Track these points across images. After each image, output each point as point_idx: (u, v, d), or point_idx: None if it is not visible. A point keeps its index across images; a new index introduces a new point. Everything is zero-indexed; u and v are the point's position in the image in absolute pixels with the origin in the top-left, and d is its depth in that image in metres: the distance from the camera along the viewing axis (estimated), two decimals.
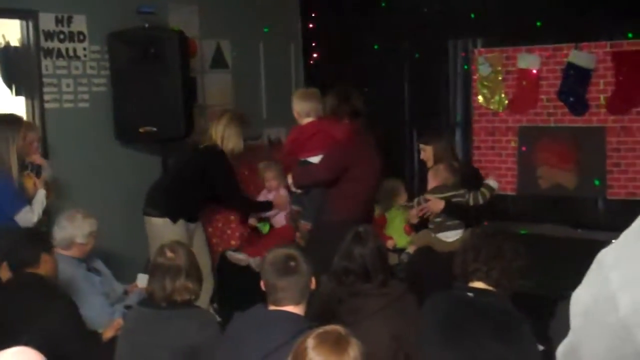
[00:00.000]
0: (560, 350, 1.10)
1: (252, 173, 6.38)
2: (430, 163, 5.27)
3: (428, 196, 5.06)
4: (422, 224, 5.20)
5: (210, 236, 5.96)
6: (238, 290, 5.40)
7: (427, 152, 5.28)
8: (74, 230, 4.45)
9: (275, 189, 5.92)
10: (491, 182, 5.20)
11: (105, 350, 3.76)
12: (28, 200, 4.61)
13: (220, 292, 5.75)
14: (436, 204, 4.99)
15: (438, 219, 5.02)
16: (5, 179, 4.45)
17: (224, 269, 5.90)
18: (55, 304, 3.62)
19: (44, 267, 3.73)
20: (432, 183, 5.12)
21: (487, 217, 5.46)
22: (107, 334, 4.07)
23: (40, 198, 4.66)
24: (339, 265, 3.63)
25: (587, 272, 1.04)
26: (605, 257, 1.02)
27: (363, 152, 4.89)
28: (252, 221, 6.02)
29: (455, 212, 4.96)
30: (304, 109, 5.12)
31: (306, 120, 5.13)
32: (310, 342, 2.30)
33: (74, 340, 3.61)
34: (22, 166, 4.65)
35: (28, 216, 4.52)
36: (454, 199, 5.01)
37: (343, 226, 4.08)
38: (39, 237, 3.88)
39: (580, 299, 1.04)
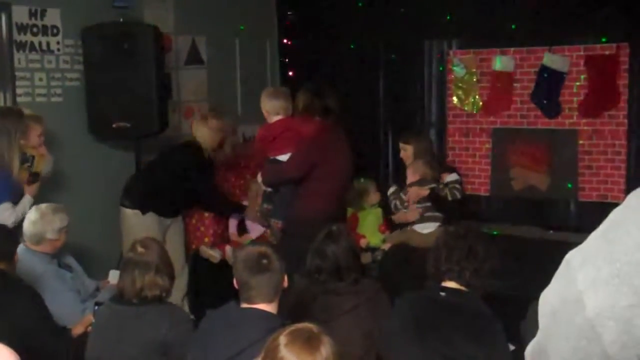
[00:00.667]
0: (529, 349, 1.11)
1: (228, 170, 6.35)
2: (409, 162, 5.35)
3: (408, 188, 5.16)
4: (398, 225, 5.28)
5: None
6: (211, 287, 5.40)
7: (407, 152, 5.36)
8: (44, 226, 4.38)
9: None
10: (452, 176, 5.33)
11: (75, 347, 3.74)
12: (20, 195, 4.60)
13: (193, 289, 5.72)
14: (420, 190, 5.10)
15: (419, 206, 5.11)
16: None
17: (197, 265, 5.88)
18: (20, 297, 3.58)
19: (13, 265, 3.70)
20: (411, 178, 5.20)
21: (460, 217, 5.51)
22: (77, 330, 4.03)
23: (25, 203, 4.64)
24: (312, 264, 3.65)
25: (556, 272, 1.05)
26: (573, 258, 1.03)
27: (333, 149, 4.85)
28: (233, 237, 6.05)
29: (437, 202, 5.05)
30: (274, 108, 5.10)
31: (275, 119, 5.11)
32: (283, 339, 2.29)
33: (42, 333, 3.58)
34: (23, 159, 4.64)
35: (5, 214, 4.48)
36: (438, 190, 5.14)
37: (314, 224, 4.10)
38: (11, 234, 3.82)
39: (548, 299, 1.05)
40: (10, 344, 2.44)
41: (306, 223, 4.59)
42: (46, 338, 3.59)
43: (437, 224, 5.03)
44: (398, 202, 5.30)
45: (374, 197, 6.02)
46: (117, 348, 3.31)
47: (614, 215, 1.02)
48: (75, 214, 4.96)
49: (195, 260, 5.91)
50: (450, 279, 3.19)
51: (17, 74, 5.48)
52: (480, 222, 6.19)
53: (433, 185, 5.20)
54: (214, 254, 5.82)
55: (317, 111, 4.88)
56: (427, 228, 5.04)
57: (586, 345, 0.94)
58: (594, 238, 1.02)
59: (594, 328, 0.93)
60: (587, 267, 0.98)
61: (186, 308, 5.46)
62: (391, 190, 5.47)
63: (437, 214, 5.13)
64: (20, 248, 4.30)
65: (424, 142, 5.54)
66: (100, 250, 5.52)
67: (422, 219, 5.13)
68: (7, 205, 4.56)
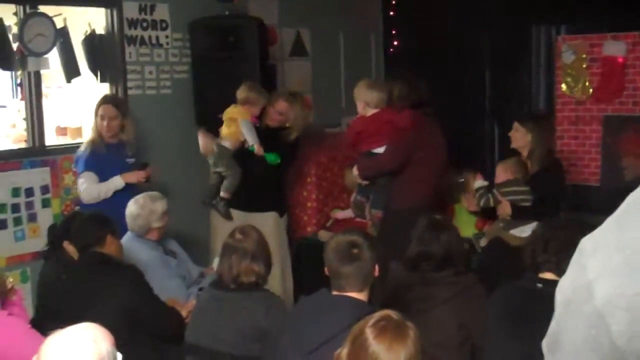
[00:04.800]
0: (545, 339, 1.06)
1: (332, 161, 6.38)
2: (519, 145, 5.00)
3: (500, 197, 4.90)
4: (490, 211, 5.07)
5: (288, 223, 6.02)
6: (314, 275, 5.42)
7: (519, 133, 4.98)
8: (149, 216, 4.50)
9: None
10: (479, 182, 5.03)
11: (179, 325, 3.84)
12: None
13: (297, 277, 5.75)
14: (505, 208, 4.85)
15: (507, 219, 4.90)
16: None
17: (301, 254, 5.92)
18: (122, 276, 3.70)
19: (108, 248, 3.83)
20: (502, 176, 4.96)
21: (568, 208, 5.32)
22: (182, 314, 4.13)
23: (110, 183, 4.89)
24: (416, 251, 3.59)
25: (571, 260, 0.99)
26: (585, 245, 0.98)
27: (427, 138, 4.85)
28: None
29: (521, 215, 4.80)
30: (373, 100, 5.03)
31: (372, 112, 5.05)
32: (370, 332, 2.28)
33: (145, 305, 3.70)
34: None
35: (82, 184, 4.87)
36: (520, 202, 4.84)
37: (412, 213, 4.06)
38: (103, 220, 3.96)
39: (563, 288, 1.00)
40: (115, 324, 2.54)
41: (403, 213, 4.58)
42: (149, 309, 3.70)
43: (533, 224, 4.63)
44: (491, 197, 4.95)
45: (478, 182, 5.78)
46: (215, 332, 3.38)
47: (628, 200, 0.96)
48: (183, 205, 5.10)
49: (299, 249, 5.96)
50: (548, 270, 3.08)
51: (128, 67, 5.68)
52: (589, 213, 5.97)
53: (514, 188, 4.88)
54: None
55: (411, 102, 4.85)
56: (526, 232, 4.67)
57: (596, 336, 0.90)
58: (607, 224, 0.97)
59: (603, 318, 0.89)
60: (597, 255, 0.93)
61: (290, 287, 5.49)
62: (478, 184, 5.06)
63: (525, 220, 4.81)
64: (128, 236, 4.46)
65: (543, 128, 5.07)
66: (206, 238, 5.63)
67: (513, 225, 4.84)
68: (89, 174, 4.85)
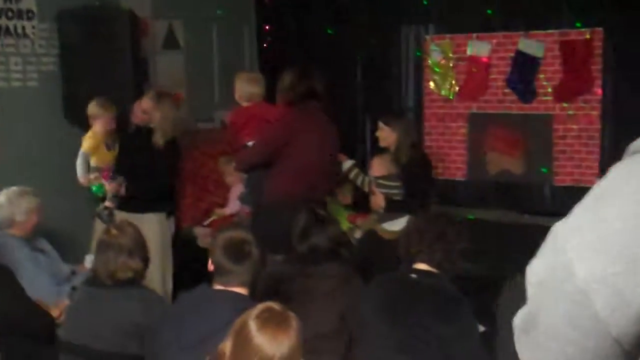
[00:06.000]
0: (517, 320, 1.14)
1: (206, 156, 6.35)
2: (386, 143, 5.19)
3: (374, 188, 5.06)
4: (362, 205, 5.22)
5: None
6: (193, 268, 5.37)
7: (383, 132, 5.19)
8: (12, 208, 4.39)
9: (235, 184, 5.94)
10: (347, 163, 5.25)
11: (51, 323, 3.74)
12: None
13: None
14: (378, 200, 5.01)
15: (380, 211, 5.05)
16: None
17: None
18: None
19: None
20: (376, 171, 5.12)
21: (436, 201, 5.51)
22: (53, 313, 4.01)
23: None
24: (305, 245, 3.63)
25: (542, 245, 1.08)
26: (560, 229, 1.07)
27: (302, 132, 4.74)
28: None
29: (394, 208, 4.98)
30: (245, 93, 5.08)
31: (245, 105, 5.09)
32: (253, 324, 2.30)
33: (16, 306, 3.57)
34: None
35: None
36: (393, 196, 5.01)
37: (281, 206, 4.08)
38: None
39: (535, 270, 1.08)
40: None
41: (272, 206, 4.60)
42: (24, 316, 3.58)
43: (405, 218, 4.81)
44: (366, 180, 5.16)
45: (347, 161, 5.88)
46: (91, 330, 3.30)
47: (597, 187, 1.07)
48: (50, 199, 4.94)
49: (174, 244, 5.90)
50: (421, 261, 3.21)
51: None
52: (456, 207, 6.22)
53: (393, 183, 5.06)
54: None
55: (302, 93, 4.81)
56: (397, 226, 4.84)
57: (577, 310, 0.99)
58: (580, 210, 1.06)
59: (585, 293, 0.98)
60: (574, 236, 1.03)
61: (170, 288, 5.40)
62: (347, 164, 5.27)
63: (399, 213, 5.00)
64: None
65: (406, 124, 5.41)
66: (76, 235, 5.49)
67: (387, 217, 5.01)
68: None
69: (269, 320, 2.32)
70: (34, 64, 5.73)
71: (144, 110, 5.18)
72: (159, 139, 5.11)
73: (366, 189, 5.11)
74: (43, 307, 3.89)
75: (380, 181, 5.04)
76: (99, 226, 5.15)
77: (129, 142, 5.24)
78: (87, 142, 5.20)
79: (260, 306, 2.39)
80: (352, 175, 5.20)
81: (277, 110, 4.96)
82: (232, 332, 2.36)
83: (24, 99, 5.66)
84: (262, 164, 4.85)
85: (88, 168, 5.19)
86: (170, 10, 6.77)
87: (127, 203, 5.13)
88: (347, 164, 5.36)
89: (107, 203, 5.13)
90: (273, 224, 4.09)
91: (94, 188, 5.16)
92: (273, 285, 3.45)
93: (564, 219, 1.07)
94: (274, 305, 2.40)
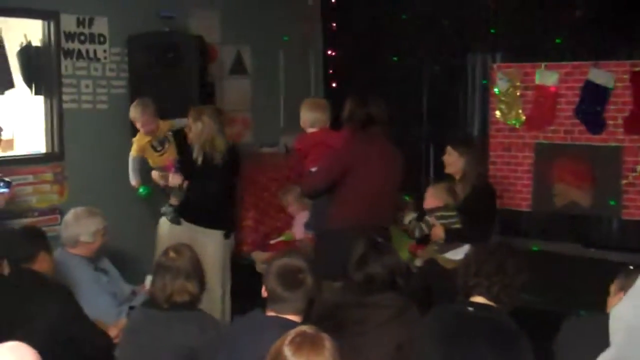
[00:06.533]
0: None
1: (269, 180, 6.39)
2: (453, 169, 5.15)
3: (433, 219, 4.96)
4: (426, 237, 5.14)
5: None
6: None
7: (452, 157, 5.14)
8: (78, 229, 4.45)
9: (299, 212, 5.99)
10: (408, 216, 5.13)
11: (108, 346, 3.79)
12: None
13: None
14: (437, 232, 4.93)
15: (441, 242, 4.96)
16: None
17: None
18: (51, 295, 3.61)
19: (40, 265, 3.74)
20: (431, 202, 5.02)
21: (499, 232, 5.41)
22: (111, 332, 4.06)
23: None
24: (362, 274, 3.60)
25: (630, 290, 1.04)
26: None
27: (362, 158, 4.75)
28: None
29: (454, 238, 4.89)
30: (309, 120, 5.13)
31: (310, 131, 5.13)
32: (288, 350, 2.29)
33: (73, 325, 3.61)
34: None
35: None
36: (451, 225, 4.93)
37: (343, 233, 4.06)
38: (37, 235, 3.88)
39: (622, 316, 1.04)
40: (43, 344, 2.49)
41: (335, 233, 4.58)
42: (77, 329, 3.62)
43: (466, 247, 4.72)
44: (424, 226, 5.04)
45: (409, 214, 5.83)
46: (147, 352, 3.33)
47: None
48: (117, 220, 5.04)
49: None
50: (479, 294, 3.14)
51: (64, 80, 5.60)
52: (520, 238, 6.11)
53: (450, 213, 4.98)
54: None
55: (360, 120, 4.83)
56: (459, 255, 4.73)
57: None
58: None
59: None
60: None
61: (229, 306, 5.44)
62: (408, 218, 5.14)
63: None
64: (58, 251, 4.38)
65: (474, 151, 5.28)
66: (139, 255, 5.56)
67: (447, 248, 4.93)
68: None
69: (302, 344, 2.32)
70: (104, 86, 5.87)
71: (188, 128, 5.25)
72: (196, 156, 5.13)
73: (426, 232, 5.01)
74: (102, 327, 3.94)
75: (438, 213, 4.97)
76: (163, 231, 5.24)
77: (186, 160, 5.26)
78: (133, 146, 5.35)
79: (292, 331, 2.38)
80: (410, 228, 5.12)
81: (341, 137, 4.97)
82: (268, 359, 2.36)
83: (94, 121, 5.80)
84: (325, 190, 4.87)
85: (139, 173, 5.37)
86: (239, 37, 6.89)
87: (189, 215, 5.22)
88: (408, 217, 5.19)
89: (172, 200, 5.22)
90: (334, 251, 4.07)
91: (141, 189, 5.31)
92: (327, 314, 3.42)
93: None
94: (307, 328, 2.39)
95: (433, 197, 5.03)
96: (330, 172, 4.80)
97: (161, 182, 5.27)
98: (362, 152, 4.76)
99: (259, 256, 5.97)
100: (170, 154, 5.39)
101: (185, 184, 5.17)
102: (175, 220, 5.22)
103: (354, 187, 4.73)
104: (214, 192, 5.15)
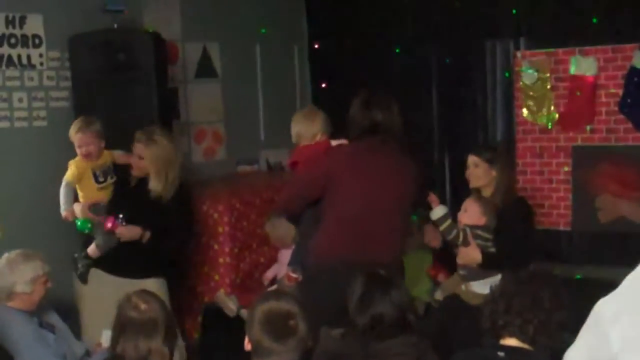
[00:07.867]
0: None
1: (248, 206, 6.38)
2: (481, 184, 5.12)
3: (471, 239, 4.91)
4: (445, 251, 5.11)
5: (194, 284, 5.99)
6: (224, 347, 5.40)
7: (481, 170, 5.07)
8: (12, 277, 4.42)
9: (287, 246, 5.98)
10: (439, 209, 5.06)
11: None
12: None
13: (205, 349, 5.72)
14: (473, 254, 4.88)
15: (473, 267, 4.92)
16: None
17: (207, 321, 5.90)
18: None
19: None
20: (474, 218, 4.95)
21: (534, 258, 5.40)
22: None
23: None
24: (368, 316, 3.60)
25: (583, 326, 1.04)
26: (603, 309, 1.03)
27: (350, 169, 4.69)
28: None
29: (490, 265, 4.85)
30: (307, 134, 5.06)
31: (303, 144, 5.09)
32: None
33: None
34: None
35: None
36: (487, 248, 4.91)
37: (333, 268, 4.09)
38: None
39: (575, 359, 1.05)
40: None
41: (321, 267, 4.58)
42: None
43: (497, 277, 4.62)
44: (462, 234, 4.97)
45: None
46: None
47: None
48: (62, 263, 5.01)
49: (207, 315, 5.93)
50: (511, 335, 3.14)
51: None
52: (559, 264, 6.12)
53: (487, 235, 4.96)
54: (231, 306, 5.80)
55: (361, 127, 4.81)
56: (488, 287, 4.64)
57: None
58: (627, 285, 1.02)
59: None
60: (622, 322, 0.98)
61: None
62: (441, 213, 4.99)
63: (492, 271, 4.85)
64: None
65: (505, 160, 5.28)
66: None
67: (476, 276, 4.87)
68: None
69: None
70: (42, 99, 5.87)
71: (138, 155, 5.18)
72: (155, 186, 5.11)
73: (459, 243, 4.95)
74: None
75: (478, 232, 4.92)
76: (81, 285, 5.19)
77: (125, 194, 5.25)
78: (69, 169, 5.24)
79: None
80: (443, 226, 5.02)
81: (326, 144, 5.00)
82: None
83: (30, 141, 5.79)
84: (298, 209, 4.86)
85: (74, 200, 5.22)
86: (205, 31, 6.90)
87: (117, 265, 5.14)
88: (439, 211, 5.05)
89: (93, 249, 5.14)
90: (323, 290, 4.06)
91: (78, 223, 5.18)
92: None
93: (609, 295, 1.04)
94: None
95: (479, 214, 4.93)
96: (300, 186, 4.80)
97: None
98: (350, 164, 4.72)
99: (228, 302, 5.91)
100: (107, 193, 5.34)
101: (147, 235, 5.12)
102: (83, 277, 5.19)
103: (339, 209, 4.68)
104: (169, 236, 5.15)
